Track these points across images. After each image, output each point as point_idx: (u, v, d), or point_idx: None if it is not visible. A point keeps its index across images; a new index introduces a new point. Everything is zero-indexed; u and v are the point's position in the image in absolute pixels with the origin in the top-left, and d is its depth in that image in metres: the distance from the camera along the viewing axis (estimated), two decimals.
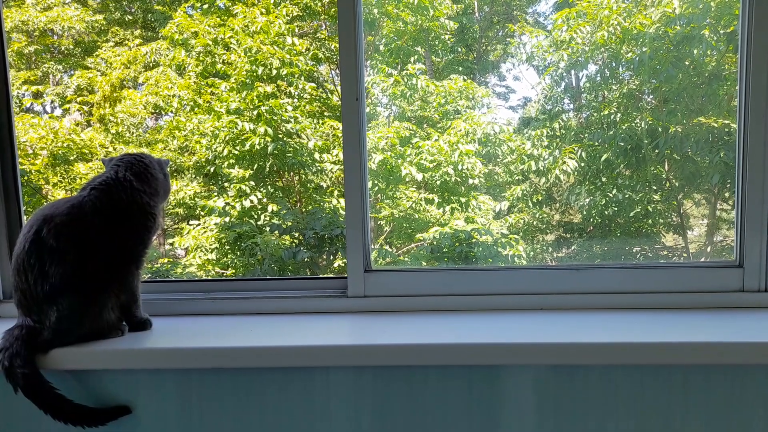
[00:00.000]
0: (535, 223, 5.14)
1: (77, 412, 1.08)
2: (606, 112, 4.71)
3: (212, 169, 5.10)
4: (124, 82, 5.57)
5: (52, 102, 5.88)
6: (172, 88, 5.10)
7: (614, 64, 4.78)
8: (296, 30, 5.31)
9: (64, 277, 1.06)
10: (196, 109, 5.09)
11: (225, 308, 1.38)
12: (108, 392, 1.15)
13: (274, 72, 4.87)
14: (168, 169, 1.29)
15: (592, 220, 4.92)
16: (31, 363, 1.05)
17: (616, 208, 4.72)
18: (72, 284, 1.07)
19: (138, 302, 1.21)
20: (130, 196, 1.16)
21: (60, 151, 4.95)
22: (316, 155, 4.91)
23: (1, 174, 1.42)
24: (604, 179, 4.77)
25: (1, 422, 1.19)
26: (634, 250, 4.85)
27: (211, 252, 4.83)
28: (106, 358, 1.10)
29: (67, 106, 5.55)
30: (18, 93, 5.53)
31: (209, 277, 4.73)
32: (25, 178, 4.78)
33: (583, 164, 4.65)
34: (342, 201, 4.80)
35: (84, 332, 1.12)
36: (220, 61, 5.05)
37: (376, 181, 4.88)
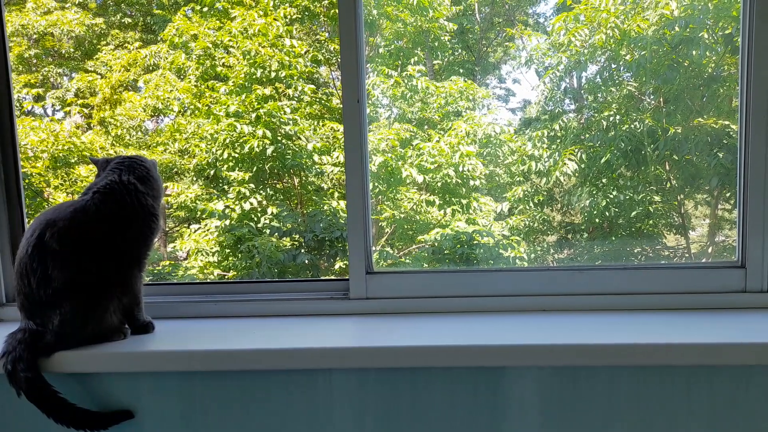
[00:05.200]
0: (536, 224, 5.13)
1: (80, 416, 1.08)
2: (606, 114, 4.72)
3: (212, 172, 5.11)
4: (124, 85, 5.57)
5: (52, 105, 5.88)
6: (172, 91, 5.10)
7: (613, 66, 4.78)
8: (295, 32, 5.31)
9: (67, 281, 1.06)
10: (195, 112, 5.09)
11: (227, 311, 1.38)
12: (111, 395, 1.15)
13: (273, 74, 4.87)
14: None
15: (593, 221, 4.91)
16: (34, 367, 1.05)
17: (617, 209, 4.72)
18: (75, 288, 1.07)
19: (140, 305, 1.21)
20: (135, 199, 1.16)
21: (61, 154, 4.95)
22: (316, 157, 4.91)
23: (3, 177, 1.42)
24: (604, 180, 4.77)
25: (5, 426, 1.19)
26: (635, 251, 4.85)
27: (213, 255, 4.82)
28: (108, 361, 1.10)
29: (67, 108, 5.56)
30: (19, 96, 5.53)
31: (211, 280, 4.73)
32: (27, 181, 4.78)
33: (583, 166, 4.65)
34: (342, 203, 4.81)
35: (87, 335, 1.12)
36: (220, 63, 5.06)
37: (376, 183, 4.88)
